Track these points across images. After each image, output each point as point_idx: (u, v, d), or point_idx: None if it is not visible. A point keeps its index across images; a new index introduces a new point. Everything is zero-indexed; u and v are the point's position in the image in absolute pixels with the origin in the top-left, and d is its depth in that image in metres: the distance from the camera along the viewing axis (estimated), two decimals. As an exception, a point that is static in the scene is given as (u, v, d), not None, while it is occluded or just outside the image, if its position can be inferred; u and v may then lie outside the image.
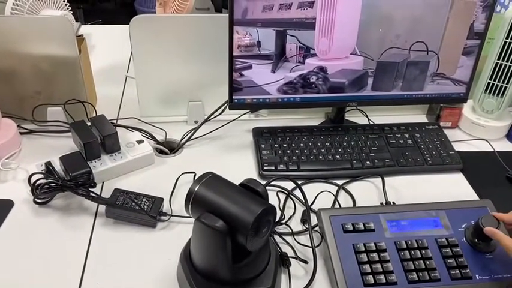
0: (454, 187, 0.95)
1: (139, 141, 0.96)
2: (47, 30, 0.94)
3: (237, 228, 0.61)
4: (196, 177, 0.66)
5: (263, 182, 0.90)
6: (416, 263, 0.73)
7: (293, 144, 0.99)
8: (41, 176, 0.84)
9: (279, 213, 0.85)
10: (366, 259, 0.72)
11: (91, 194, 0.82)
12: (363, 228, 0.76)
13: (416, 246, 0.74)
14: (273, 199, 0.87)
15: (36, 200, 0.84)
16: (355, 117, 1.12)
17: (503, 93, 1.04)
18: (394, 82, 1.01)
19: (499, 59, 1.02)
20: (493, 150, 1.04)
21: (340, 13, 0.91)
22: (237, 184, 0.67)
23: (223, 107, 1.02)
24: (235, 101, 0.98)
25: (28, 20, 0.99)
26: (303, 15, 0.91)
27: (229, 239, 0.61)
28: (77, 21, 1.29)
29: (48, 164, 0.87)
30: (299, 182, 0.89)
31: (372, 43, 0.96)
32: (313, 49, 0.95)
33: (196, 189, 0.65)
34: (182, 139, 1.03)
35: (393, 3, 0.92)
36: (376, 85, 1.01)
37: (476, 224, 0.74)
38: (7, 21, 0.94)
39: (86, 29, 1.44)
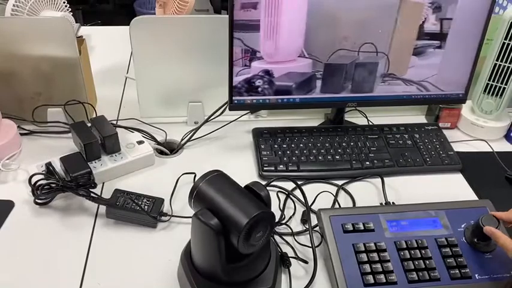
0: (453, 187, 0.95)
1: (140, 142, 0.97)
2: (47, 31, 0.94)
3: (230, 228, 0.61)
4: (202, 174, 0.67)
5: (263, 183, 0.91)
6: (416, 262, 0.73)
7: (293, 145, 1.00)
8: (42, 176, 0.84)
9: (279, 213, 0.85)
10: (366, 259, 0.73)
11: (91, 194, 0.82)
12: (362, 228, 0.77)
13: (416, 246, 0.75)
14: (273, 199, 0.87)
15: (36, 200, 0.84)
16: (355, 118, 1.13)
17: (502, 94, 1.05)
18: (344, 84, 1.00)
19: (497, 59, 1.02)
20: (492, 150, 1.04)
21: (285, 15, 0.89)
22: (243, 186, 0.67)
23: (223, 108, 1.02)
24: (235, 101, 0.98)
25: (28, 21, 0.99)
26: (247, 17, 0.89)
27: (222, 238, 0.61)
28: (76, 22, 1.29)
29: (49, 165, 0.87)
30: (299, 183, 0.89)
31: (320, 45, 0.94)
32: (260, 52, 0.93)
33: (200, 184, 0.65)
34: (182, 140, 1.03)
35: (340, 5, 0.91)
36: (325, 87, 1.00)
37: (477, 224, 0.74)
38: (7, 22, 0.94)
39: (86, 30, 1.44)
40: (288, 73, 0.97)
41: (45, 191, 0.82)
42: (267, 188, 0.89)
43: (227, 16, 0.89)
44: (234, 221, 0.60)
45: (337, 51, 0.96)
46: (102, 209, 0.83)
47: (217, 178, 0.67)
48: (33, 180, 0.83)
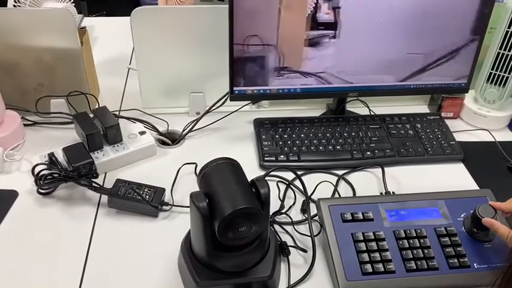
0: (455, 177, 0.95)
1: (142, 133, 0.97)
2: (49, 23, 0.94)
3: (215, 214, 0.61)
4: (214, 158, 0.68)
5: (263, 173, 0.91)
6: (415, 251, 0.73)
7: (294, 135, 1.00)
8: (44, 166, 0.85)
9: (279, 203, 0.86)
10: (364, 248, 0.73)
11: (93, 184, 0.83)
12: (361, 217, 0.77)
13: (414, 235, 0.75)
14: (273, 189, 0.88)
15: (39, 190, 0.85)
16: (357, 108, 1.12)
17: (505, 83, 1.04)
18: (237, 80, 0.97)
19: (500, 48, 1.01)
20: (494, 140, 1.04)
21: None
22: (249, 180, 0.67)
23: (224, 98, 1.02)
24: (236, 92, 0.99)
25: (30, 12, 0.99)
26: None
27: (208, 222, 0.62)
28: (80, 13, 1.29)
29: (52, 155, 0.88)
30: (300, 173, 0.89)
31: None
32: None
33: (207, 167, 0.66)
34: (184, 130, 1.03)
35: None
36: None
37: (474, 214, 0.74)
38: (9, 14, 0.95)
39: (89, 21, 1.45)
40: None
41: (48, 181, 0.83)
42: (267, 177, 0.90)
43: (227, 5, 0.89)
44: (219, 208, 0.61)
45: None
46: (104, 198, 0.84)
47: (226, 165, 0.67)
48: (36, 170, 0.84)
